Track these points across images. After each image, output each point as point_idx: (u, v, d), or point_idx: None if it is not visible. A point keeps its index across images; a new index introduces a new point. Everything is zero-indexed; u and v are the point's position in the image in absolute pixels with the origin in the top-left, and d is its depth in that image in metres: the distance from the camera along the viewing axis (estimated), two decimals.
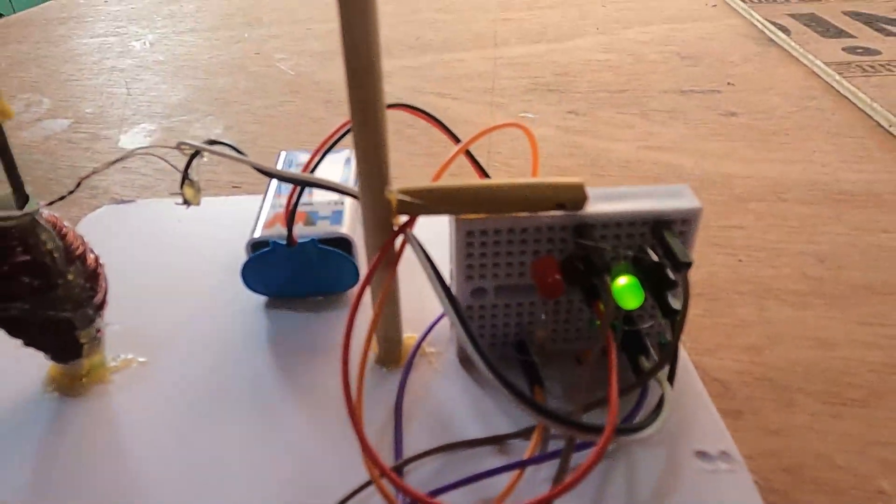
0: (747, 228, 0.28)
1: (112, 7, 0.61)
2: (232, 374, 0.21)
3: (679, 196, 0.19)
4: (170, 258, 0.26)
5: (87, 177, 0.21)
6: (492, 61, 0.46)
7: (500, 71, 0.45)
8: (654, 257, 0.18)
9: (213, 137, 0.33)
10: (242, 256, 0.23)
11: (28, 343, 0.20)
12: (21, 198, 0.18)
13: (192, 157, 0.23)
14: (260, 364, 0.21)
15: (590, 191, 0.18)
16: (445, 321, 0.23)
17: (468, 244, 0.19)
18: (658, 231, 0.19)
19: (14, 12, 1.55)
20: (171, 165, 0.24)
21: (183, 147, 0.23)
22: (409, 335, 0.22)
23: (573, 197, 0.18)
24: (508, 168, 0.33)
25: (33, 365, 0.20)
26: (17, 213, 0.18)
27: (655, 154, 0.34)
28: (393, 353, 0.21)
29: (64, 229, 0.19)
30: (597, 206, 0.19)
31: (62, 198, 0.20)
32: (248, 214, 0.25)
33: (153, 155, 0.22)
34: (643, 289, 0.18)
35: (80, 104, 0.41)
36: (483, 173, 0.23)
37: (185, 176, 0.24)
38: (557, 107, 0.40)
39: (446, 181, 0.18)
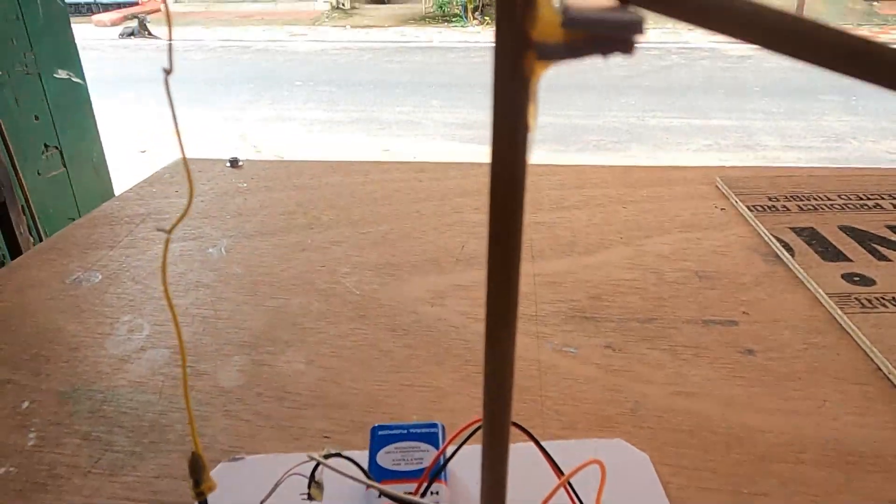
0: (772, 496, 0.33)
1: (183, 199, 0.69)
2: None
3: None
4: None
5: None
6: (531, 278, 0.53)
7: (541, 292, 0.51)
8: None
9: (299, 373, 0.38)
10: None
11: None
12: None
13: (318, 464, 0.29)
14: None
15: None
16: None
17: None
18: None
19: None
20: (302, 476, 0.29)
21: (311, 458, 0.28)
22: None
23: None
24: (559, 417, 0.38)
25: None
26: None
27: (686, 402, 0.39)
28: None
29: None
30: None
31: None
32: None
33: (298, 475, 0.27)
34: None
35: None
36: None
37: (312, 479, 0.29)
38: (595, 339, 0.45)
39: None
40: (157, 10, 9.92)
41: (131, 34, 8.33)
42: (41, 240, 1.51)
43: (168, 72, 0.17)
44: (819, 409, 0.39)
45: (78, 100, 1.70)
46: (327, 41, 8.57)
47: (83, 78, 1.72)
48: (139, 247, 0.58)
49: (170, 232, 0.19)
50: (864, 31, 8.42)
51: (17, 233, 1.47)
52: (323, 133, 5.39)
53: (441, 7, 9.19)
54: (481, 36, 8.55)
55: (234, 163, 0.78)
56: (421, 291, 0.51)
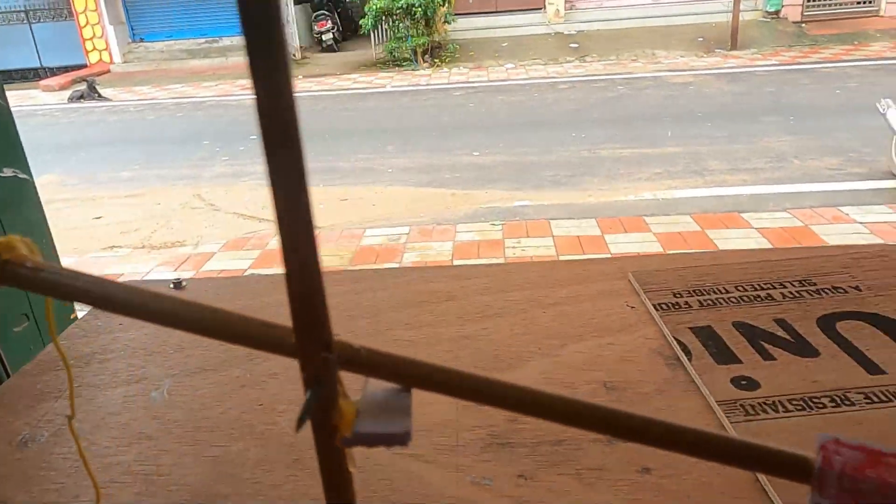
0: None
1: (128, 332, 0.72)
2: None
3: None
4: None
5: None
6: (455, 402, 0.57)
7: (462, 419, 0.55)
8: None
9: None
10: None
11: None
12: None
13: None
14: None
15: None
16: None
17: None
18: None
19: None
20: None
21: None
22: None
23: None
24: None
25: None
26: None
27: None
28: None
29: None
30: None
31: None
32: None
33: None
34: None
35: (121, 493, 0.49)
36: None
37: None
38: (509, 468, 0.50)
39: None
40: (107, 72, 9.91)
41: (81, 97, 8.29)
42: None
43: None
44: None
45: (25, 196, 1.71)
46: None
47: (30, 174, 1.74)
48: (84, 395, 0.61)
49: None
50: (796, 52, 8.79)
51: None
52: None
53: (391, 52, 9.38)
54: (432, 79, 8.73)
55: (177, 285, 0.81)
56: None
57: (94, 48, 10.23)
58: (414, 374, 0.20)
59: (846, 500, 0.18)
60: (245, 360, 0.65)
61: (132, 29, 10.75)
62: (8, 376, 1.52)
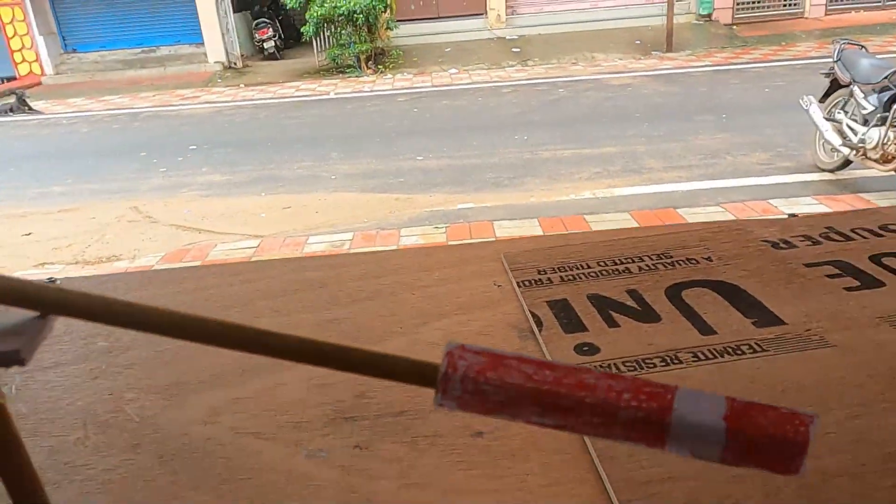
0: None
1: None
2: None
3: None
4: None
5: None
6: (306, 383, 0.57)
7: (311, 396, 0.56)
8: None
9: None
10: None
11: None
12: None
13: None
14: None
15: None
16: None
17: None
18: None
19: None
20: None
21: None
22: None
23: None
24: None
25: None
26: None
27: (412, 494, 0.45)
28: None
29: None
30: None
31: None
32: None
33: None
34: None
35: None
36: None
37: None
38: (348, 440, 0.50)
39: None
40: (38, 84, 9.57)
41: (10, 111, 7.98)
42: None
43: None
44: (522, 483, 0.45)
45: None
46: (221, 101, 8.50)
47: None
48: None
49: None
50: (727, 53, 9.07)
51: None
52: (222, 197, 5.32)
53: (334, 59, 9.33)
54: (376, 85, 8.72)
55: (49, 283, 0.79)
56: (199, 410, 0.55)
57: (24, 59, 9.85)
58: (47, 300, 0.20)
59: (470, 401, 0.19)
60: (104, 353, 0.65)
61: (64, 39, 10.40)
62: None
